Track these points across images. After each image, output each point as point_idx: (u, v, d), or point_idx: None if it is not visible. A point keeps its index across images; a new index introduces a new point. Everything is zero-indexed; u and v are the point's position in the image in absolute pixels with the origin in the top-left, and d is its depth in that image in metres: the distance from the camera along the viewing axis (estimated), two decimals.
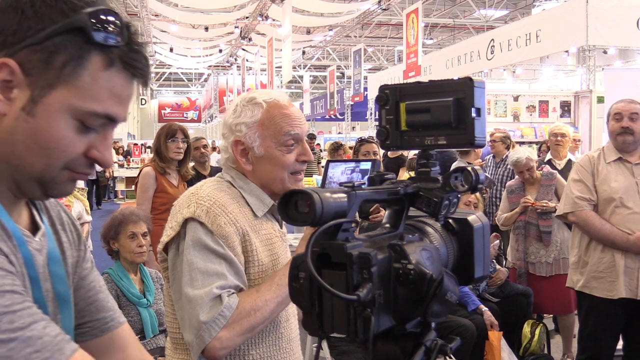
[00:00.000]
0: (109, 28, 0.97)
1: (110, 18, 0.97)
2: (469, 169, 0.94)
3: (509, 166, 5.99)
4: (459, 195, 0.95)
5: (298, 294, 0.77)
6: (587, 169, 3.72)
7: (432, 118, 0.92)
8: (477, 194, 5.45)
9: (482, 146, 0.95)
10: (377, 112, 0.99)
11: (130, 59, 1.00)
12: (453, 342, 0.84)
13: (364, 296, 0.72)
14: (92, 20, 0.95)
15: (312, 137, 13.30)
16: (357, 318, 0.73)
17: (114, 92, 1.00)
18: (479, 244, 0.94)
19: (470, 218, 0.95)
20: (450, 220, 0.94)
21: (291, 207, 0.76)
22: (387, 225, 0.88)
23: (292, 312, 1.84)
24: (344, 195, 0.78)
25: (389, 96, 0.96)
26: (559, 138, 6.08)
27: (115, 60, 0.98)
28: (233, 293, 1.61)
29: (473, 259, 0.93)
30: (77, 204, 5.53)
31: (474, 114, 0.91)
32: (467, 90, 0.91)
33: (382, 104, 0.96)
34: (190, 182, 5.07)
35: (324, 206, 0.74)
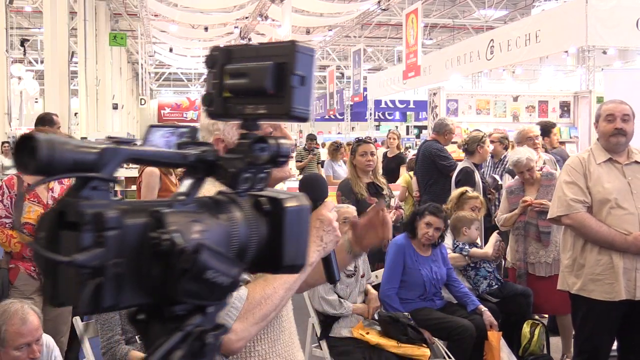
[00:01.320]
0: None
1: None
2: (272, 140, 0.86)
3: (507, 166, 5.99)
4: (267, 170, 0.86)
5: (38, 256, 0.68)
6: (578, 170, 3.68)
7: (250, 83, 0.83)
8: (482, 197, 5.44)
9: (302, 119, 0.85)
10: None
11: None
12: (219, 330, 0.75)
13: (84, 260, 0.63)
14: None
15: (312, 137, 13.28)
16: (86, 287, 0.64)
17: None
18: (291, 227, 0.84)
19: (285, 198, 0.85)
20: (262, 200, 0.85)
21: (25, 153, 0.65)
22: (181, 196, 0.78)
23: (290, 306, 1.86)
24: (96, 148, 0.69)
25: (217, 58, 0.87)
26: (535, 141, 6.04)
27: None
28: (241, 285, 1.61)
29: (282, 243, 0.84)
30: None
31: (294, 82, 0.82)
32: (290, 55, 0.82)
33: (210, 66, 0.87)
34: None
35: (55, 154, 0.65)
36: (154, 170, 4.51)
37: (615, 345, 3.88)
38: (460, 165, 6.26)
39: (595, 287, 3.61)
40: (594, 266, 3.62)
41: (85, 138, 18.15)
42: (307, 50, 0.84)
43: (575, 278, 3.71)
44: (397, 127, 25.11)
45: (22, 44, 21.22)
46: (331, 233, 1.71)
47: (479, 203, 5.23)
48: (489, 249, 4.97)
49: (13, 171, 8.21)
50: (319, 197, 1.76)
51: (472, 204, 5.19)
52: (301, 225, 0.87)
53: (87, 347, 3.23)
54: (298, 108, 0.83)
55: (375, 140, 17.98)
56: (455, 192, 5.45)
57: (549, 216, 3.91)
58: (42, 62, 22.78)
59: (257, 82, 0.82)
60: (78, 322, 3.24)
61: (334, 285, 3.98)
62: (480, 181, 6.09)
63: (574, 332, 3.91)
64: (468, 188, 5.43)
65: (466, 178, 6.07)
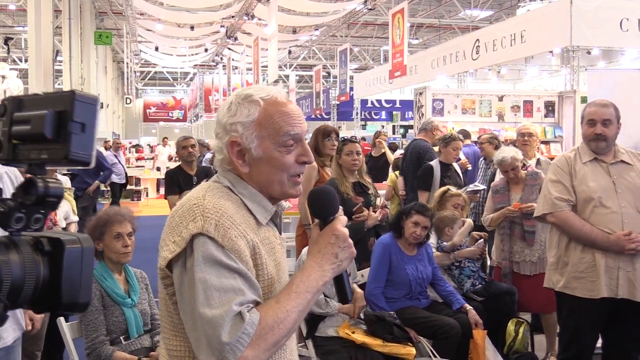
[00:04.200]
0: None
1: None
2: (41, 182, 0.91)
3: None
4: (43, 211, 0.91)
5: None
6: (564, 169, 3.72)
7: (31, 130, 0.91)
8: (465, 195, 5.46)
9: (83, 163, 0.93)
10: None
11: None
12: None
13: None
14: None
15: None
16: None
17: None
18: (70, 267, 0.90)
19: (66, 239, 0.92)
20: (43, 240, 0.91)
21: None
22: None
23: None
24: None
25: (7, 107, 0.95)
26: (526, 138, 6.04)
27: None
28: (252, 308, 1.51)
29: (61, 282, 0.90)
30: (64, 204, 5.50)
31: (73, 129, 0.89)
32: (69, 104, 0.90)
33: (1, 115, 0.95)
34: (189, 183, 5.39)
35: None
36: (314, 165, 4.88)
37: (599, 343, 3.92)
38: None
39: (578, 285, 3.65)
40: (577, 264, 3.66)
41: None
42: (88, 99, 0.91)
43: (560, 276, 3.75)
44: (383, 126, 25.16)
45: (5, 42, 21.03)
46: (347, 250, 1.61)
47: (461, 201, 5.25)
48: (472, 249, 5.00)
49: None
50: (331, 212, 1.66)
51: (454, 201, 5.21)
52: (84, 264, 0.93)
53: (71, 347, 3.21)
54: (77, 153, 0.90)
55: (364, 140, 17.99)
56: (437, 191, 5.47)
57: (535, 214, 3.95)
58: (26, 60, 22.58)
59: (37, 128, 0.90)
60: (62, 323, 3.21)
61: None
62: (439, 181, 6.08)
63: (558, 330, 3.93)
64: (451, 187, 5.46)
65: (422, 175, 6.19)
